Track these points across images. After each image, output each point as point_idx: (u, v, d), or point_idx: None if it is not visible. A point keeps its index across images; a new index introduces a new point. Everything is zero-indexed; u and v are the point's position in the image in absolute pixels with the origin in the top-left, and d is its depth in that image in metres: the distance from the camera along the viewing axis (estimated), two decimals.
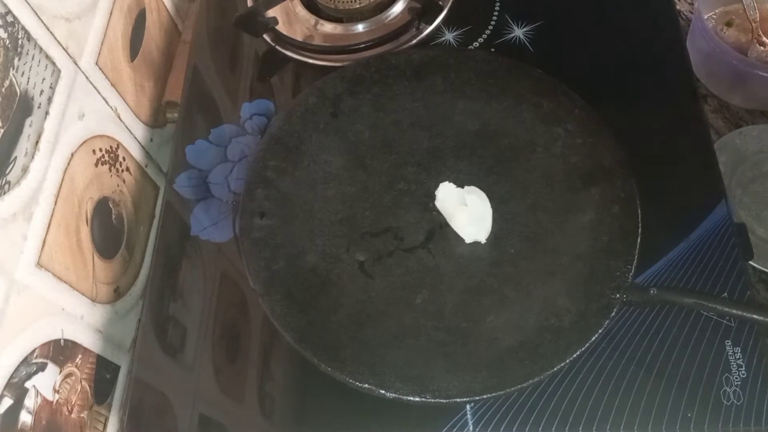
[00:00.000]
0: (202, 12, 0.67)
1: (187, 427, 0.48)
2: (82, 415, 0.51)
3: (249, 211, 0.52)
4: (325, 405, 0.48)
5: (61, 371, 0.48)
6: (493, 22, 0.63)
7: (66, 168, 0.50)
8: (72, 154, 0.51)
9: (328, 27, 0.65)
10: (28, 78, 0.46)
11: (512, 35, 0.62)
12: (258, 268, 0.49)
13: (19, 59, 0.45)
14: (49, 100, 0.49)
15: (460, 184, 0.52)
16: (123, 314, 0.57)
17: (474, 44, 0.62)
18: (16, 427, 0.44)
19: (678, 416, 0.45)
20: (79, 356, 0.51)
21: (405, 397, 0.44)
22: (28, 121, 0.46)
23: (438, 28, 0.63)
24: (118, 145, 0.59)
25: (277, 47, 0.63)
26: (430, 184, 0.52)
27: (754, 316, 0.46)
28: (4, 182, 0.43)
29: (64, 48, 0.50)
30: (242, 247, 0.51)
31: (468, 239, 0.50)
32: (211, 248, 0.54)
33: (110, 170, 0.57)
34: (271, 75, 0.65)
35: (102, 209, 0.55)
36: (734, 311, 0.46)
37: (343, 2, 0.64)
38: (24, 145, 0.45)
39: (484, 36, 0.63)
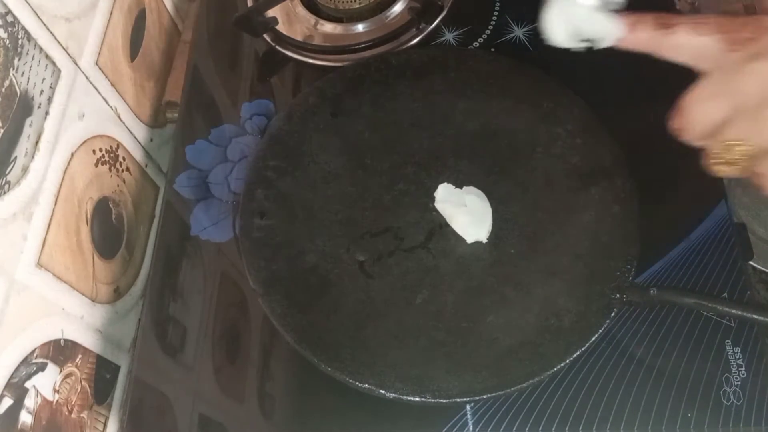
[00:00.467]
0: (202, 12, 0.67)
1: (187, 427, 0.48)
2: (82, 415, 0.51)
3: (249, 211, 0.52)
4: (325, 405, 0.48)
5: (61, 371, 0.48)
6: (493, 22, 0.63)
7: (66, 168, 0.50)
8: (72, 154, 0.51)
9: (328, 27, 0.65)
10: (28, 78, 0.46)
11: (512, 35, 0.62)
12: (258, 268, 0.49)
13: (19, 59, 0.45)
14: (49, 100, 0.49)
15: (460, 184, 0.52)
16: (123, 314, 0.57)
17: (474, 44, 0.62)
18: (16, 427, 0.44)
19: (678, 416, 0.45)
20: (79, 356, 0.51)
21: (405, 397, 0.44)
22: (28, 121, 0.46)
23: (438, 28, 0.63)
24: (118, 145, 0.59)
25: (277, 47, 0.63)
26: (430, 184, 0.52)
27: (754, 316, 0.46)
28: (4, 182, 0.43)
29: (64, 48, 0.50)
30: (242, 247, 0.51)
31: (470, 239, 0.50)
32: (211, 248, 0.54)
33: (110, 170, 0.57)
34: (271, 75, 0.65)
35: (102, 209, 0.55)
36: (734, 311, 0.46)
37: (343, 2, 0.64)
38: (24, 145, 0.45)
39: (484, 36, 0.63)
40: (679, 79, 0.63)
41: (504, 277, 0.49)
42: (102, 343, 0.54)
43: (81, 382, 0.51)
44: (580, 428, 0.45)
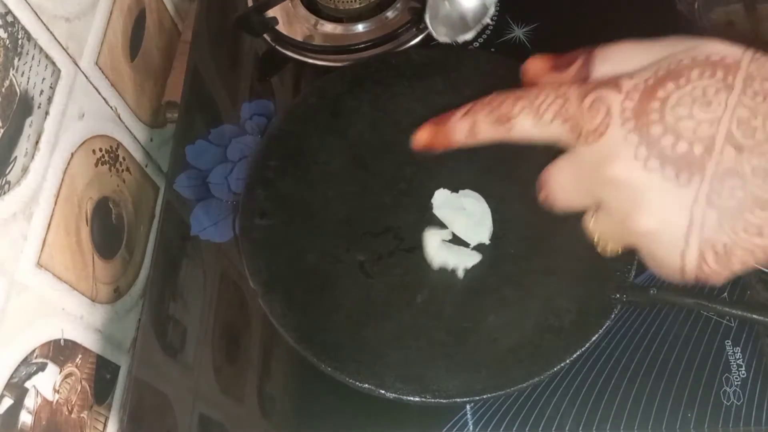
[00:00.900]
0: (202, 12, 0.67)
1: (187, 427, 0.48)
2: (82, 415, 0.51)
3: (249, 211, 0.52)
4: (325, 405, 0.48)
5: (61, 371, 0.48)
6: (493, 22, 0.63)
7: (66, 168, 0.50)
8: (72, 154, 0.51)
9: (328, 27, 0.65)
10: (28, 78, 0.46)
11: (512, 35, 0.62)
12: (258, 268, 0.49)
13: (19, 59, 0.45)
14: (49, 100, 0.49)
15: (460, 184, 0.52)
16: (123, 314, 0.57)
17: (474, 44, 0.62)
18: (16, 427, 0.44)
19: (678, 416, 0.45)
20: (79, 356, 0.51)
21: (405, 397, 0.44)
22: (28, 121, 0.46)
23: None
24: (118, 145, 0.59)
25: (277, 47, 0.63)
26: (430, 184, 0.52)
27: (754, 316, 0.46)
28: (4, 182, 0.43)
29: (64, 48, 0.50)
30: (242, 247, 0.51)
31: (472, 243, 0.50)
32: (211, 248, 0.54)
33: (110, 170, 0.57)
34: (271, 75, 0.65)
35: (102, 209, 0.55)
36: (734, 311, 0.46)
37: (343, 2, 0.64)
38: (24, 145, 0.45)
39: (484, 36, 0.63)
40: None
41: (504, 277, 0.49)
42: (102, 343, 0.54)
43: (81, 382, 0.51)
44: (580, 428, 0.45)
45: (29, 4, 0.46)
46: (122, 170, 0.59)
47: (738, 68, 0.29)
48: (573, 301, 0.47)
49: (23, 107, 0.45)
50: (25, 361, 0.44)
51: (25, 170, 0.45)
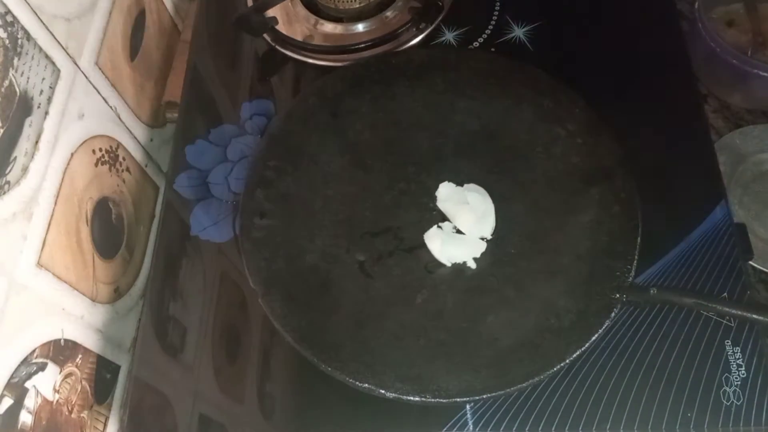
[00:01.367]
0: (202, 12, 0.67)
1: (187, 427, 0.48)
2: (82, 415, 0.51)
3: (249, 211, 0.52)
4: (325, 405, 0.48)
5: (61, 371, 0.48)
6: (493, 22, 0.63)
7: (66, 168, 0.50)
8: (72, 154, 0.51)
9: (328, 27, 0.65)
10: (28, 78, 0.46)
11: (512, 35, 0.62)
12: (258, 268, 0.49)
13: (18, 59, 0.45)
14: (49, 100, 0.49)
15: (461, 184, 0.52)
16: (123, 314, 0.57)
17: (474, 44, 0.62)
18: (16, 427, 0.44)
19: (678, 416, 0.45)
20: (79, 356, 0.51)
21: (405, 397, 0.44)
22: (27, 121, 0.46)
23: (438, 28, 0.63)
24: (118, 145, 0.59)
25: (277, 47, 0.63)
26: (430, 184, 0.52)
27: (754, 316, 0.46)
28: (4, 182, 0.43)
29: (63, 48, 0.50)
30: (242, 247, 0.51)
31: (474, 237, 0.50)
32: (211, 248, 0.54)
33: (110, 170, 0.57)
34: (271, 75, 0.65)
35: (102, 209, 0.55)
36: (734, 311, 0.46)
37: (343, 2, 0.64)
38: (24, 145, 0.45)
39: (484, 36, 0.62)
40: (678, 78, 0.63)
41: (504, 277, 0.49)
42: (102, 343, 0.54)
43: (81, 381, 0.51)
44: (580, 428, 0.45)
45: (29, 4, 0.46)
46: (122, 170, 0.59)
47: None
48: (573, 301, 0.47)
49: (23, 107, 0.45)
50: (26, 361, 0.44)
51: (24, 170, 0.45)
